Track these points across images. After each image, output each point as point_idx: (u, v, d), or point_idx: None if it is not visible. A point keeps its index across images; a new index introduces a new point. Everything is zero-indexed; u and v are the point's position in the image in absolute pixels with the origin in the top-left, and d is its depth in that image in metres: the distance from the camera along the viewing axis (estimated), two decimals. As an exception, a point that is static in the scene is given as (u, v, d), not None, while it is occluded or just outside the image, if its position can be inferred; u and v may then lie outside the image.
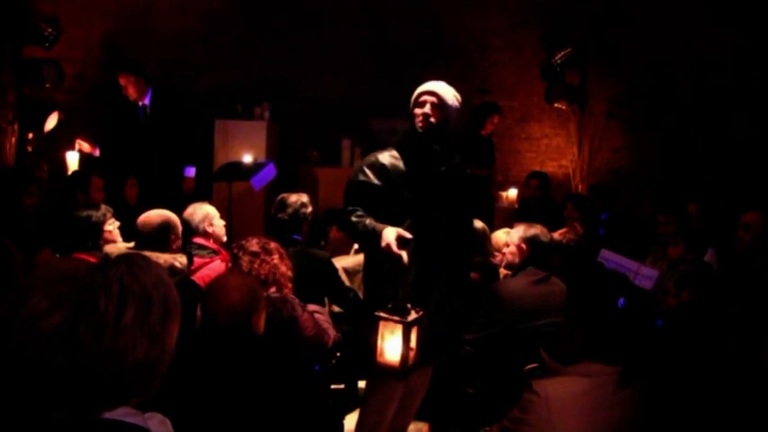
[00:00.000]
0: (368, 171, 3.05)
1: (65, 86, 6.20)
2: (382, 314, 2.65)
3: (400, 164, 3.05)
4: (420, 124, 3.02)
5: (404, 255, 2.71)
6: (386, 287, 2.79)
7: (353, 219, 2.98)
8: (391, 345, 2.63)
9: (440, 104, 3.02)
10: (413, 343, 2.62)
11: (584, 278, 3.22)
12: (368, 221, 2.92)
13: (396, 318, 2.60)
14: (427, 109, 3.01)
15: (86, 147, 5.95)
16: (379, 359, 2.67)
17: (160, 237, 3.38)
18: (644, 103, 6.86)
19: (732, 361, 2.54)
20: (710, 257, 4.32)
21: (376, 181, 3.02)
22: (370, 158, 3.11)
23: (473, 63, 7.35)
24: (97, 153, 6.02)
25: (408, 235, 2.77)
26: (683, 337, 2.80)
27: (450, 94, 3.07)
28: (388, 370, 2.66)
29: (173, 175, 5.95)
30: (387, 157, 3.07)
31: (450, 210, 3.10)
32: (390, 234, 2.77)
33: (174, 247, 3.50)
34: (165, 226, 3.42)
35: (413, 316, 2.62)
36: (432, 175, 3.06)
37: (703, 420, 2.13)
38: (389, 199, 3.00)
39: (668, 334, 2.94)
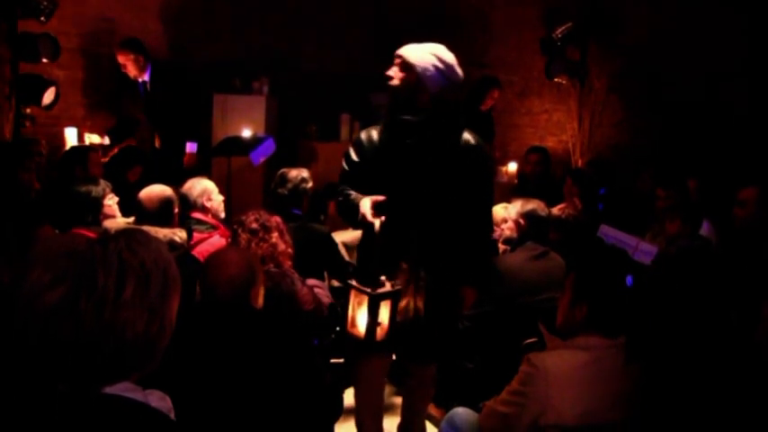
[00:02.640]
0: (350, 148, 3.03)
1: (61, 61, 6.15)
2: (353, 284, 2.64)
3: (375, 137, 2.96)
4: (387, 87, 2.87)
5: (376, 223, 2.69)
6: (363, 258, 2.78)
7: (341, 199, 2.98)
8: (360, 316, 2.62)
9: (405, 65, 2.83)
10: (382, 317, 2.58)
11: (584, 253, 3.22)
12: (352, 197, 2.91)
13: (365, 288, 2.59)
14: (390, 71, 2.87)
15: (96, 139, 5.96)
16: (350, 329, 2.67)
17: (163, 212, 3.38)
18: (645, 77, 6.81)
19: (730, 337, 2.56)
20: (708, 232, 4.32)
21: (354, 156, 2.98)
22: (358, 134, 3.09)
23: (473, 37, 7.29)
24: (107, 141, 6.02)
25: (382, 198, 2.75)
26: (682, 312, 2.82)
27: (418, 54, 2.83)
28: (356, 341, 2.65)
29: (174, 151, 5.95)
30: (367, 132, 3.01)
31: (427, 184, 2.86)
32: (366, 203, 2.77)
33: (177, 220, 3.52)
34: (168, 201, 3.43)
35: (385, 289, 2.59)
36: (397, 148, 2.88)
37: (701, 394, 2.15)
38: (366, 173, 2.93)
39: (666, 308, 2.95)
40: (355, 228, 3.20)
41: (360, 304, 2.62)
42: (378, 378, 3.11)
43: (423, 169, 2.85)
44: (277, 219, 3.07)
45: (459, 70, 2.88)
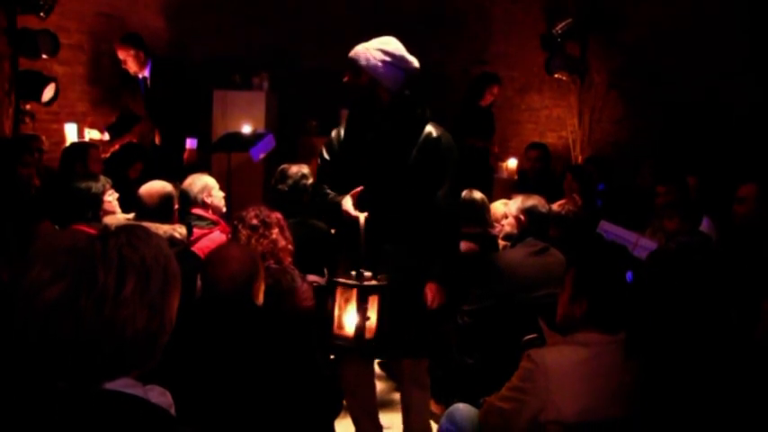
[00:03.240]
0: (323, 148, 3.12)
1: (61, 57, 6.14)
2: (339, 280, 2.63)
3: (342, 134, 3.05)
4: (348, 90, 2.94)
5: (361, 216, 2.74)
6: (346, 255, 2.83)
7: (318, 200, 3.07)
8: (348, 315, 2.57)
9: (356, 69, 2.88)
10: (370, 313, 2.56)
11: (584, 249, 3.22)
12: (330, 196, 2.97)
13: (352, 282, 2.58)
14: (346, 78, 2.92)
15: (96, 135, 5.95)
16: (337, 331, 2.63)
17: (164, 208, 3.39)
18: (644, 74, 6.80)
19: (730, 333, 2.56)
20: (708, 228, 4.32)
21: (326, 155, 3.08)
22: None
23: (473, 34, 7.27)
24: (107, 137, 6.01)
25: (359, 189, 2.81)
26: (681, 308, 2.82)
27: (365, 54, 2.87)
28: (344, 342, 2.62)
29: (174, 147, 5.94)
30: (336, 130, 3.11)
31: (387, 179, 2.88)
32: (347, 201, 2.84)
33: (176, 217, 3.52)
34: (169, 197, 3.43)
35: (371, 282, 2.59)
36: (358, 144, 2.96)
37: (701, 390, 2.16)
38: (336, 170, 3.02)
39: (665, 304, 2.95)
40: (335, 227, 3.23)
41: (347, 301, 2.58)
42: (364, 379, 3.11)
43: (382, 164, 2.89)
44: (277, 215, 3.07)
45: (410, 58, 2.90)
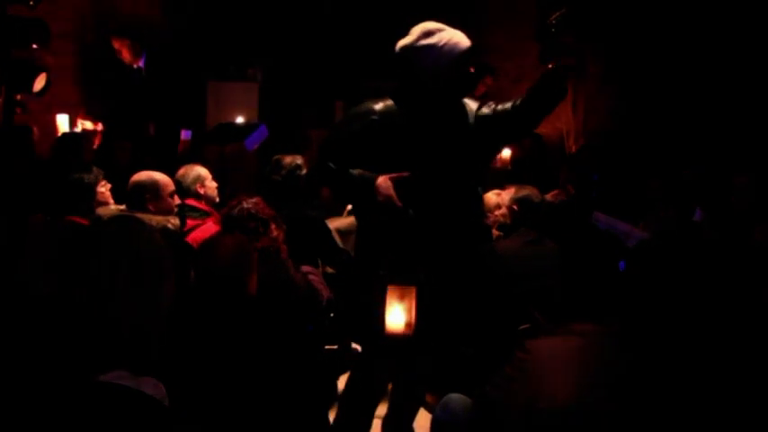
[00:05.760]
0: (352, 118, 2.84)
1: (52, 47, 6.09)
2: (389, 277, 2.52)
3: (396, 114, 2.74)
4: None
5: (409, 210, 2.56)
6: (384, 249, 2.61)
7: (334, 168, 2.65)
8: (396, 312, 2.50)
9: None
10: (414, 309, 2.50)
11: (578, 239, 3.22)
12: (356, 171, 2.60)
13: (402, 281, 2.49)
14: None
15: (89, 125, 5.90)
16: (388, 330, 2.52)
17: (132, 196, 3.41)
18: (640, 64, 6.80)
19: (725, 326, 2.57)
20: (701, 219, 4.33)
21: (359, 128, 2.74)
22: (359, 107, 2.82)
23: (466, 23, 7.24)
24: (100, 127, 5.96)
25: (404, 174, 2.53)
26: (678, 297, 2.82)
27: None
28: (394, 338, 2.53)
29: (168, 138, 5.91)
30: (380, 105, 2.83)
31: (447, 168, 2.67)
32: (387, 184, 2.50)
33: (165, 207, 3.51)
34: (138, 186, 3.45)
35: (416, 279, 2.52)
36: (436, 131, 2.74)
37: (695, 380, 2.16)
38: (378, 152, 2.63)
39: (662, 294, 2.96)
40: (362, 209, 2.82)
41: (402, 298, 2.47)
42: (383, 379, 3.01)
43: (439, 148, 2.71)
44: (262, 204, 3.05)
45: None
